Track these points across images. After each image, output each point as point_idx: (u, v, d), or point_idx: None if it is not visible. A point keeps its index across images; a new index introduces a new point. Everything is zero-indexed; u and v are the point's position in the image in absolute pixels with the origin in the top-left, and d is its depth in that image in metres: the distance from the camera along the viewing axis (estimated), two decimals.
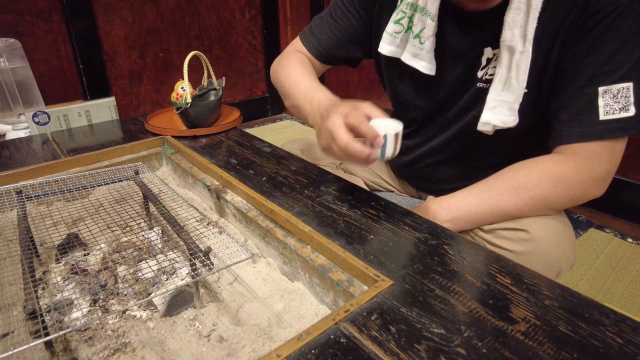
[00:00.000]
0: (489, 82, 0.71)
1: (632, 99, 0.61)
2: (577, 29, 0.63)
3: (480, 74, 0.73)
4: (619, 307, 1.05)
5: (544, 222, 0.67)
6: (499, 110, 0.69)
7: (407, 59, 0.78)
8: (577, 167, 0.64)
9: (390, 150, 0.60)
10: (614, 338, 0.42)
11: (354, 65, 0.95)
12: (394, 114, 0.95)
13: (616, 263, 1.22)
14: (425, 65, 0.76)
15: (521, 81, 0.66)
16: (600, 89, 0.62)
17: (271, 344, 0.51)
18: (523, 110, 0.69)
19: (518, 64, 0.66)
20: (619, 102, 0.61)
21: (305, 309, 0.58)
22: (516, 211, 0.67)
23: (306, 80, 0.81)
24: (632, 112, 0.61)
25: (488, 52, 0.71)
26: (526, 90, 0.68)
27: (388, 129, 0.59)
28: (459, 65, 0.75)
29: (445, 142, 0.82)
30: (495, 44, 0.69)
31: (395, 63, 0.82)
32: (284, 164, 0.87)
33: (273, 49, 2.62)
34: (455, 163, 0.84)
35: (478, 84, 0.73)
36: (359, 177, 1.01)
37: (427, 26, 0.73)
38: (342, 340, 0.43)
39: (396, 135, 0.60)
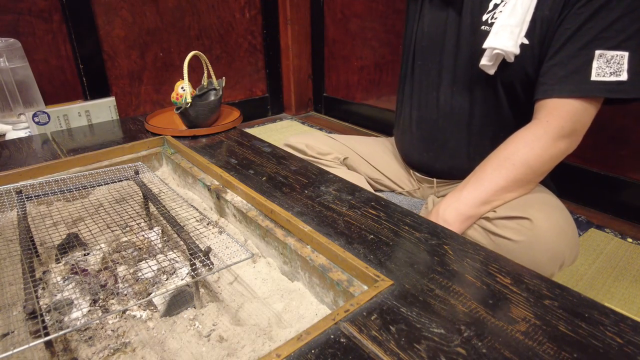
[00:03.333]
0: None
1: (625, 66, 0.65)
2: None
3: (485, 17, 0.77)
4: (619, 307, 1.05)
5: (547, 211, 0.68)
6: (501, 35, 0.73)
7: None
8: (548, 126, 0.70)
9: None
10: (613, 338, 0.42)
11: None
12: (402, 63, 0.98)
13: (616, 263, 1.22)
14: None
15: (524, 6, 0.71)
16: (597, 52, 0.66)
17: (271, 343, 0.51)
18: (525, 59, 0.73)
19: None
20: (611, 67, 0.66)
21: (305, 309, 0.58)
22: (509, 183, 0.72)
23: None
24: (623, 77, 0.65)
25: None
26: (527, 42, 0.72)
27: None
28: (468, 8, 0.79)
29: (450, 93, 0.85)
30: None
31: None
32: (284, 164, 0.87)
33: (273, 49, 2.61)
34: (458, 123, 0.87)
35: (482, 27, 0.77)
36: (362, 174, 1.01)
37: None
38: (342, 340, 0.43)
39: None
